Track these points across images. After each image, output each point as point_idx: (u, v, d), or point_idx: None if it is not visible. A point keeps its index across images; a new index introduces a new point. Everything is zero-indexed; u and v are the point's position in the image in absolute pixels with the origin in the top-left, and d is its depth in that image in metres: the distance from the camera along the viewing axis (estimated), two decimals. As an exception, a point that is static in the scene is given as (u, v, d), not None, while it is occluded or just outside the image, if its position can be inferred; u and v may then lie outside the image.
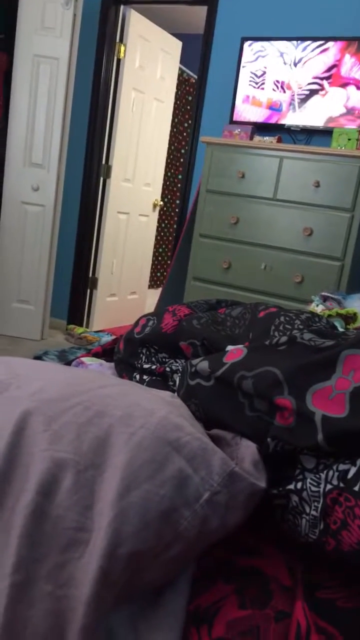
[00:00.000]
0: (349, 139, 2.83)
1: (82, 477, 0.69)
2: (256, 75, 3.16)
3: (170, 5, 3.88)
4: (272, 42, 3.08)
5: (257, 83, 3.16)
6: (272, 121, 3.14)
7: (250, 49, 3.15)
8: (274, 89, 3.11)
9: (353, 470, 0.77)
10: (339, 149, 2.76)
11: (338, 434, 0.79)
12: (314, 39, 2.98)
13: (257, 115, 3.19)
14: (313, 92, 3.02)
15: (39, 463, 0.69)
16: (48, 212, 3.69)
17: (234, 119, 3.25)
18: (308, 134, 3.14)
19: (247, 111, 3.21)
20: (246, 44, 3.16)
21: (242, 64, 3.18)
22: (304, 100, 3.03)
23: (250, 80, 3.17)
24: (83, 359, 1.46)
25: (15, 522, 0.63)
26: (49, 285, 3.84)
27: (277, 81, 3.10)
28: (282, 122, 3.11)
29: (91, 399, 0.82)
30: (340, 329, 1.45)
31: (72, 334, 3.92)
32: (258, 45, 3.13)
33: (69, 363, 1.50)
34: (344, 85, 2.95)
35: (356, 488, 0.74)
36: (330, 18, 3.08)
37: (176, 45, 4.40)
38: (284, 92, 3.07)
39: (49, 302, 3.89)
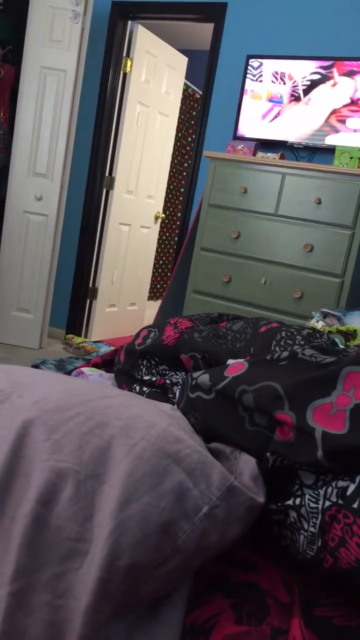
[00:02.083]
0: (351, 158, 2.86)
1: (83, 488, 0.69)
2: (253, 67, 3.18)
3: (177, 22, 3.93)
4: (276, 60, 3.12)
5: (254, 75, 3.18)
6: (274, 114, 3.14)
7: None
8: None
9: (352, 487, 0.77)
10: (341, 167, 2.79)
11: (338, 450, 0.79)
12: (319, 59, 3.02)
13: (258, 113, 3.21)
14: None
15: (39, 472, 0.69)
16: (50, 221, 3.71)
17: (238, 134, 3.28)
18: (311, 152, 3.17)
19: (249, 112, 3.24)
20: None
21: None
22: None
23: (248, 73, 3.20)
24: (83, 369, 1.46)
25: (15, 531, 0.63)
26: (49, 294, 3.84)
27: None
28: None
29: (92, 410, 0.82)
30: (341, 346, 1.46)
31: (71, 344, 3.92)
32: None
33: (68, 373, 1.50)
34: (351, 74, 2.94)
35: (355, 505, 0.75)
36: (337, 38, 3.13)
37: (182, 61, 4.46)
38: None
39: (49, 311, 3.89)
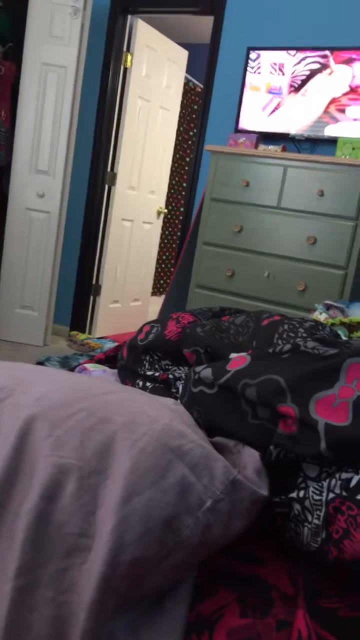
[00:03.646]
0: (354, 148, 2.84)
1: (85, 483, 0.69)
2: (252, 59, 3.16)
3: (177, 15, 3.91)
4: (275, 53, 3.10)
5: (252, 68, 3.16)
6: (274, 106, 3.12)
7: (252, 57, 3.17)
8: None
9: (356, 479, 0.77)
10: (343, 158, 2.77)
11: (341, 442, 0.79)
12: (316, 49, 3.00)
13: (258, 109, 3.20)
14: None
15: (42, 468, 0.70)
16: (53, 218, 3.71)
17: (239, 127, 3.27)
18: (312, 143, 3.15)
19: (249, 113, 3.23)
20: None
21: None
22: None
23: (247, 66, 3.18)
24: (86, 365, 1.47)
25: (18, 527, 0.64)
26: (52, 291, 3.85)
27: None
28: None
29: (95, 405, 0.82)
30: (344, 338, 1.45)
31: (75, 340, 3.92)
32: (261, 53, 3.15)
33: (72, 369, 1.50)
34: (349, 62, 2.93)
35: (359, 497, 0.75)
36: (336, 28, 3.11)
37: (182, 55, 4.44)
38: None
39: (52, 308, 3.89)
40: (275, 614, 0.73)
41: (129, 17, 3.83)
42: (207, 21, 3.64)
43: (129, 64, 3.88)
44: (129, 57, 3.87)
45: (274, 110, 3.16)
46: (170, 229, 6.32)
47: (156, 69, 4.15)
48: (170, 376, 1.23)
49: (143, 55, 3.98)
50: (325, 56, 2.99)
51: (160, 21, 4.26)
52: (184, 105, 5.71)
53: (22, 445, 0.74)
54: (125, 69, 3.90)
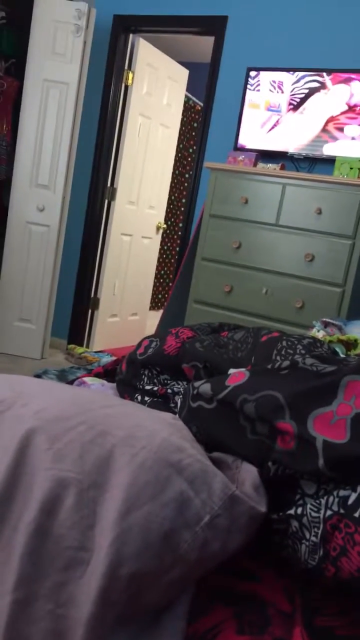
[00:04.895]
0: (351, 168, 2.87)
1: (85, 497, 0.69)
2: (251, 77, 3.22)
3: (178, 35, 3.97)
4: (274, 72, 3.16)
5: (252, 85, 3.21)
6: (273, 123, 3.17)
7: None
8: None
9: (353, 497, 0.77)
10: (341, 178, 2.81)
11: (339, 459, 0.79)
12: (314, 70, 3.05)
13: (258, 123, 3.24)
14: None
15: (42, 481, 0.70)
16: (52, 232, 3.73)
17: (238, 145, 3.31)
18: (311, 162, 3.19)
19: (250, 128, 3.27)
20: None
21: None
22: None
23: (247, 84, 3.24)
24: (85, 378, 1.47)
25: (17, 540, 0.64)
26: (50, 304, 3.85)
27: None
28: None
29: (94, 419, 0.82)
30: (341, 355, 1.46)
31: (72, 354, 3.92)
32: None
33: (70, 383, 1.50)
34: (347, 81, 2.98)
35: (356, 514, 0.75)
36: (334, 50, 3.16)
37: (183, 74, 4.50)
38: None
39: (51, 321, 3.90)
40: (272, 631, 0.73)
41: (131, 35, 3.89)
42: (208, 41, 3.70)
43: (130, 81, 3.93)
44: (130, 75, 3.92)
45: (272, 127, 3.20)
46: (169, 244, 6.35)
47: (157, 87, 4.21)
48: (169, 391, 1.23)
49: (144, 74, 4.04)
50: (323, 76, 3.04)
51: (162, 40, 4.32)
52: (184, 123, 5.77)
53: (22, 458, 0.74)
54: (127, 87, 3.95)
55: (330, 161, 3.08)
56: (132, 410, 0.90)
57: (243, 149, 3.29)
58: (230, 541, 0.75)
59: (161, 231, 4.69)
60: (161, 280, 6.35)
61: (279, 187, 2.94)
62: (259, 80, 3.21)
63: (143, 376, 1.29)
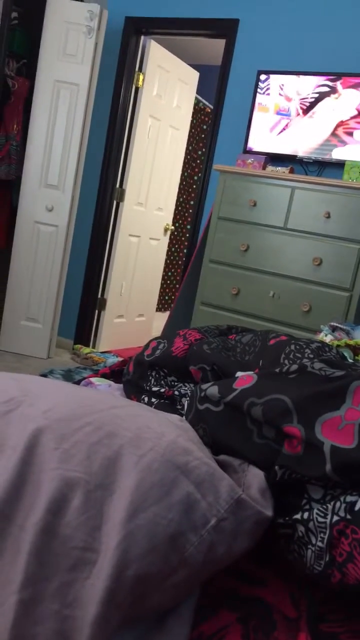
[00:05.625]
0: (361, 173, 2.87)
1: (92, 497, 0.69)
2: (261, 81, 3.22)
3: (189, 37, 3.98)
4: (284, 75, 3.16)
5: (262, 89, 3.21)
6: (282, 127, 3.17)
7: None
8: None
9: (361, 502, 0.76)
10: (351, 182, 2.80)
11: (347, 465, 0.79)
12: (325, 74, 3.05)
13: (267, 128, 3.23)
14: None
15: (49, 481, 0.70)
16: (61, 232, 3.74)
17: (247, 148, 3.31)
18: (320, 165, 3.18)
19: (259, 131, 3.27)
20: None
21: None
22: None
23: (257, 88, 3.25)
24: (92, 379, 1.47)
25: (24, 540, 0.64)
26: (58, 304, 3.86)
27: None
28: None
29: (102, 419, 0.82)
30: (349, 360, 1.45)
31: (78, 354, 3.93)
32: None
33: (77, 383, 1.50)
34: (357, 86, 2.98)
35: (363, 520, 0.74)
36: (345, 54, 3.16)
37: (193, 76, 4.50)
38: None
39: (57, 321, 3.91)
40: (276, 636, 0.73)
41: (142, 37, 3.90)
42: (219, 44, 3.70)
43: (140, 83, 3.94)
44: (141, 77, 3.93)
45: (282, 131, 3.20)
46: (176, 246, 6.35)
47: (167, 89, 4.21)
48: (176, 392, 1.23)
49: (155, 75, 4.04)
50: (334, 80, 3.04)
51: (173, 42, 4.33)
52: (193, 125, 5.78)
53: (29, 458, 0.74)
54: (137, 88, 3.96)
55: (340, 165, 3.07)
56: (140, 412, 0.90)
57: (252, 152, 3.29)
58: (235, 545, 0.75)
59: (169, 233, 4.69)
60: (168, 282, 6.35)
61: (287, 190, 2.93)
62: (269, 84, 3.21)
63: (150, 377, 1.29)
